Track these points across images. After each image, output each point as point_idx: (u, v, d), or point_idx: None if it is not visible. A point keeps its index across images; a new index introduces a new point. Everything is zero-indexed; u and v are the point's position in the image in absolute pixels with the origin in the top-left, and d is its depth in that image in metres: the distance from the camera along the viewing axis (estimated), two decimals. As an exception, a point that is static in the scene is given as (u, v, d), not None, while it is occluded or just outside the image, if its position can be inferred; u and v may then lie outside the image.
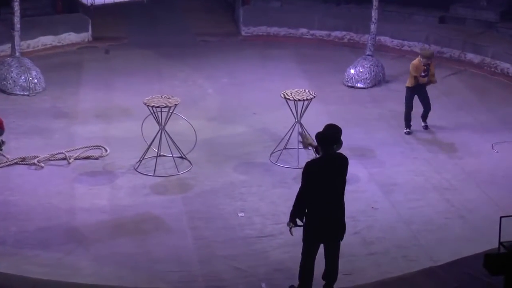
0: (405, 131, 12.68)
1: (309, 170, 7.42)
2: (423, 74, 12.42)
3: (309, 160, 7.67)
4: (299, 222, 7.55)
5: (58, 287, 7.65)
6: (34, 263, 8.80)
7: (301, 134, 8.51)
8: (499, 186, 10.87)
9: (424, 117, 12.80)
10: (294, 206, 7.56)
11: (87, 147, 11.97)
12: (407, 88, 12.66)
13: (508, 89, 15.26)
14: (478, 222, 9.81)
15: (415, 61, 12.48)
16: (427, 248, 9.25)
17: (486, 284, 7.55)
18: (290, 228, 7.60)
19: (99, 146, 12.02)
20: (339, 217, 7.57)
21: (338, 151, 7.54)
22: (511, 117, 13.52)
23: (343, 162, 7.52)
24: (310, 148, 8.20)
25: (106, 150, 11.88)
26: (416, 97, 12.67)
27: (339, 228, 7.60)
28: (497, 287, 7.28)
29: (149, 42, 17.70)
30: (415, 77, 12.42)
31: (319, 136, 7.50)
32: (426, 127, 12.79)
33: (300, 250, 7.79)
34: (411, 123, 12.71)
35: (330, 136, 7.43)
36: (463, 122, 13.27)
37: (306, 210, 7.51)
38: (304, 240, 7.60)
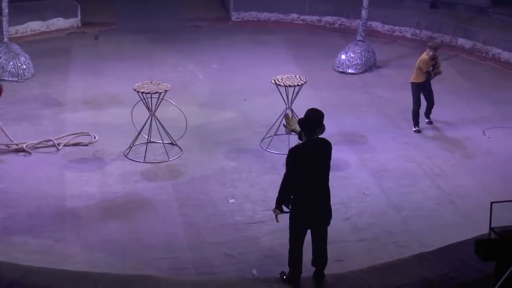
0: (414, 129, 12.26)
1: (293, 156, 7.38)
2: (431, 68, 12.15)
3: (293, 146, 7.63)
4: (285, 208, 7.52)
5: (48, 274, 7.60)
6: (24, 250, 8.76)
7: (287, 116, 8.43)
8: (490, 172, 10.87)
9: (428, 112, 12.48)
10: (279, 192, 7.52)
11: (76, 133, 11.90)
12: (415, 84, 12.19)
13: (499, 75, 15.27)
14: (469, 208, 9.81)
15: (424, 55, 12.08)
16: (417, 234, 9.25)
17: (477, 269, 7.57)
18: (276, 215, 7.57)
19: (87, 132, 11.95)
20: (325, 203, 7.52)
21: (322, 136, 7.49)
22: (502, 102, 13.52)
23: (327, 147, 7.47)
24: (293, 133, 8.15)
25: (94, 137, 11.82)
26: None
27: (325, 213, 7.55)
28: (488, 272, 7.30)
29: (139, 27, 17.61)
30: (427, 72, 12.09)
31: (301, 120, 7.48)
32: (430, 123, 12.47)
33: (291, 237, 7.77)
34: (419, 120, 12.32)
35: (312, 120, 7.39)
36: (454, 108, 13.27)
37: (292, 196, 7.48)
38: (290, 226, 7.57)
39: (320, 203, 7.47)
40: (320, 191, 7.46)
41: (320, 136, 7.44)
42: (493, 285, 5.54)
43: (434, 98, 12.39)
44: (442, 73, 12.48)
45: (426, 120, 12.48)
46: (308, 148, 7.38)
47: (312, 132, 7.37)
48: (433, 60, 12.09)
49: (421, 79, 12.12)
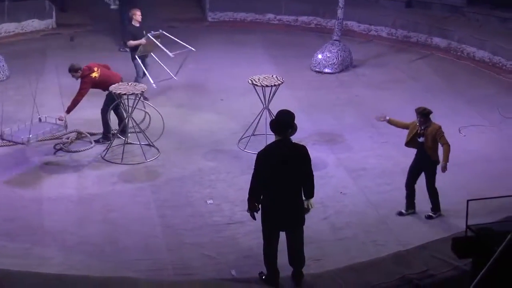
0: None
1: (262, 155, 7.38)
2: (420, 138, 9.45)
3: (265, 146, 7.64)
4: (257, 206, 7.50)
5: (26, 277, 7.54)
6: (1, 254, 8.67)
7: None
8: (466, 170, 10.94)
9: (431, 206, 9.74)
10: (249, 192, 7.52)
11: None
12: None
13: (474, 73, 15.40)
14: (446, 206, 9.86)
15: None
16: (395, 232, 9.30)
17: (454, 267, 7.63)
18: (251, 214, 7.56)
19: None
20: (296, 206, 7.49)
21: (297, 138, 7.47)
22: (478, 100, 13.64)
23: (300, 151, 7.44)
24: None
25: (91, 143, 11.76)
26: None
27: (296, 217, 7.53)
28: (465, 270, 7.36)
29: (114, 28, 17.50)
30: (410, 137, 9.58)
31: (272, 122, 7.50)
32: (429, 217, 9.66)
33: (268, 237, 7.78)
34: (413, 204, 9.76)
35: (283, 121, 7.41)
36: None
37: (262, 197, 7.47)
38: (262, 228, 7.58)
39: (290, 207, 7.45)
40: (290, 194, 7.43)
41: (296, 141, 7.44)
42: (470, 283, 5.58)
43: (409, 93, 12.23)
44: (445, 169, 9.52)
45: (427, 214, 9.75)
46: (279, 150, 7.36)
47: (284, 133, 7.37)
48: (421, 126, 9.44)
49: (409, 144, 9.71)
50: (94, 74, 11.46)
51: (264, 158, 7.36)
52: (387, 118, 9.95)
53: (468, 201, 5.88)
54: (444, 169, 9.42)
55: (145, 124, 11.99)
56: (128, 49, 13.73)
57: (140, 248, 8.92)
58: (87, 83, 11.44)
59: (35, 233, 9.20)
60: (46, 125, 11.39)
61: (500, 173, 10.81)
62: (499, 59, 15.54)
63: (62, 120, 11.37)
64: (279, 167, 7.33)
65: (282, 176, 7.35)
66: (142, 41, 13.30)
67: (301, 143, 7.78)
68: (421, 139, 9.45)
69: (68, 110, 11.48)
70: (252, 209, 7.53)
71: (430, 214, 9.67)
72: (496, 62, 15.58)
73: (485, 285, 5.50)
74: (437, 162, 9.50)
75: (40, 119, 11.52)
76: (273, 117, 7.78)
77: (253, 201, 7.49)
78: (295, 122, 7.46)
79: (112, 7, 15.48)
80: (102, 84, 11.55)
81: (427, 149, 9.42)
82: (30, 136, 10.83)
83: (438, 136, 9.38)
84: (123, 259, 8.65)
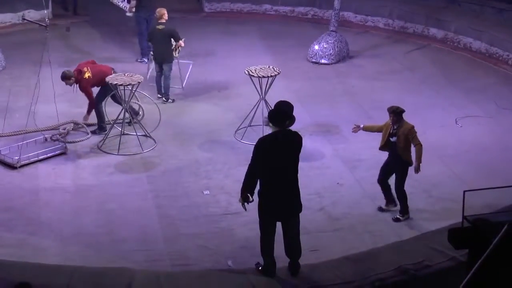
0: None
1: (261, 145, 7.39)
2: (393, 138, 9.24)
3: (262, 136, 7.63)
4: (250, 197, 7.51)
5: (22, 267, 7.54)
6: (-3, 244, 8.70)
7: None
8: (463, 160, 10.96)
9: (400, 209, 9.50)
10: (244, 181, 7.53)
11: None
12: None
13: (471, 64, 15.40)
14: (442, 197, 9.89)
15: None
16: (391, 223, 9.31)
17: (450, 258, 7.64)
18: (242, 204, 7.56)
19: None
20: (293, 195, 7.52)
21: (294, 129, 7.49)
22: (474, 91, 13.64)
23: (296, 139, 7.47)
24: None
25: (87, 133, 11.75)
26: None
27: (293, 206, 7.55)
28: (461, 261, 7.38)
29: (110, 19, 17.47)
30: (385, 140, 9.40)
31: (270, 113, 7.50)
32: (396, 219, 9.39)
33: (264, 227, 7.78)
34: (391, 199, 9.57)
35: (282, 112, 7.42)
36: (426, 97, 13.35)
37: (260, 188, 7.48)
38: (259, 218, 7.59)
39: (288, 196, 7.46)
40: (288, 183, 7.45)
41: (292, 129, 7.45)
42: (467, 273, 5.59)
43: (406, 84, 12.27)
44: (418, 170, 9.28)
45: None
46: (277, 140, 7.38)
47: (282, 124, 7.38)
48: (393, 125, 9.26)
49: (383, 148, 9.51)
50: (87, 75, 11.44)
51: (263, 148, 7.36)
52: (361, 126, 9.84)
53: (464, 191, 5.88)
54: (417, 170, 9.19)
55: (139, 116, 11.98)
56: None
57: (137, 238, 8.93)
58: (86, 84, 11.47)
59: (31, 224, 9.19)
60: (46, 145, 11.19)
61: (496, 163, 10.84)
62: (496, 49, 15.54)
63: (84, 121, 11.80)
64: (277, 157, 7.33)
65: (280, 166, 7.36)
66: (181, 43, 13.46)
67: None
68: (393, 139, 9.21)
69: (88, 112, 11.78)
70: (244, 199, 7.53)
71: (398, 216, 9.39)
72: (492, 53, 15.58)
73: (482, 275, 5.51)
74: (409, 163, 9.25)
75: (46, 139, 11.35)
76: (271, 108, 7.78)
77: (246, 191, 7.50)
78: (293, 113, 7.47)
79: (128, 14, 15.39)
80: (97, 81, 11.58)
81: (399, 149, 9.17)
82: (20, 157, 10.58)
83: (410, 136, 9.13)
84: (119, 250, 8.66)
